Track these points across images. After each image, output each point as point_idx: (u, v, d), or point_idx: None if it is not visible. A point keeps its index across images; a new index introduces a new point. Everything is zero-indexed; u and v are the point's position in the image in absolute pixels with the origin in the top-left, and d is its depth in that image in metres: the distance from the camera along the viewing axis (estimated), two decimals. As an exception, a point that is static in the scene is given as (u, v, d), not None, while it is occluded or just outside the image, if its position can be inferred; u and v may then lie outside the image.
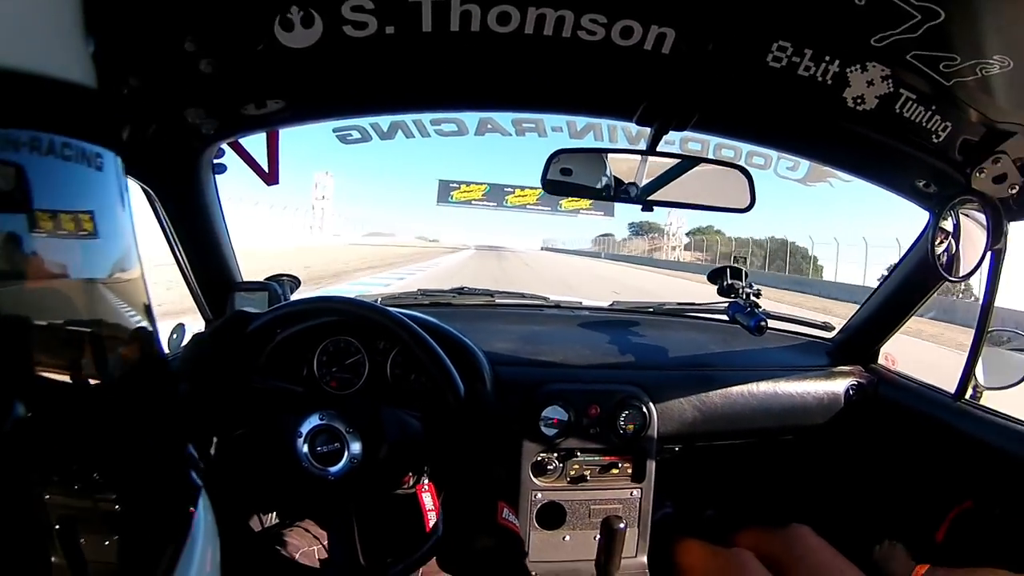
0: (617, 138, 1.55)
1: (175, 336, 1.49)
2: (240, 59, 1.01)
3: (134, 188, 1.32)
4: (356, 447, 1.17)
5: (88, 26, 0.72)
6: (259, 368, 1.31)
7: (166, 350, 1.49)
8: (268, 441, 1.22)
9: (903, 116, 1.09)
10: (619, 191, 1.41)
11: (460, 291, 1.91)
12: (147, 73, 1.01)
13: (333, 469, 1.17)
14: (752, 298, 1.52)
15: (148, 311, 0.38)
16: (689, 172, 1.37)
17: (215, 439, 1.20)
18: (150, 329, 0.38)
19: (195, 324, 1.55)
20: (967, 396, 1.41)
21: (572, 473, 1.50)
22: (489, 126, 1.59)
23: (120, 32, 0.87)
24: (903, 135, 1.13)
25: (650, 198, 1.39)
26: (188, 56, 0.97)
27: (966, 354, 1.40)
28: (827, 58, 1.00)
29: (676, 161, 1.38)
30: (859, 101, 1.06)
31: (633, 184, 1.41)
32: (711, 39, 0.99)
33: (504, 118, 1.65)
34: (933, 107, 1.08)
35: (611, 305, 1.97)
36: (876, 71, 1.02)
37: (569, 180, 1.38)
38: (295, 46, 0.96)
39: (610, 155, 1.40)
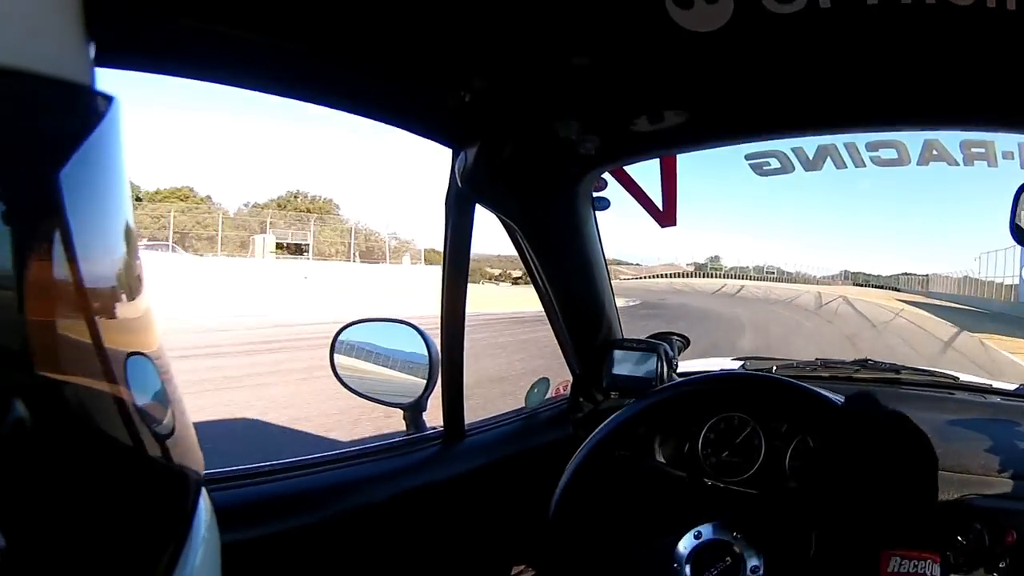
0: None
1: (535, 390, 1.44)
2: (625, 49, 0.77)
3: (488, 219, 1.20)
4: (754, 563, 0.96)
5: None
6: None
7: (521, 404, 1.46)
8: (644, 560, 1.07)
9: None
10: None
11: (864, 363, 1.58)
12: (497, 70, 0.82)
13: None
14: None
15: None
16: None
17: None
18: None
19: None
20: None
21: None
22: (935, 152, 1.18)
23: (454, 13, 0.69)
24: None
25: None
26: (551, 45, 0.76)
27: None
28: None
29: None
30: None
31: None
32: None
33: (951, 140, 1.21)
34: None
35: (1018, 389, 1.53)
36: None
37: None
38: (698, 29, 0.70)
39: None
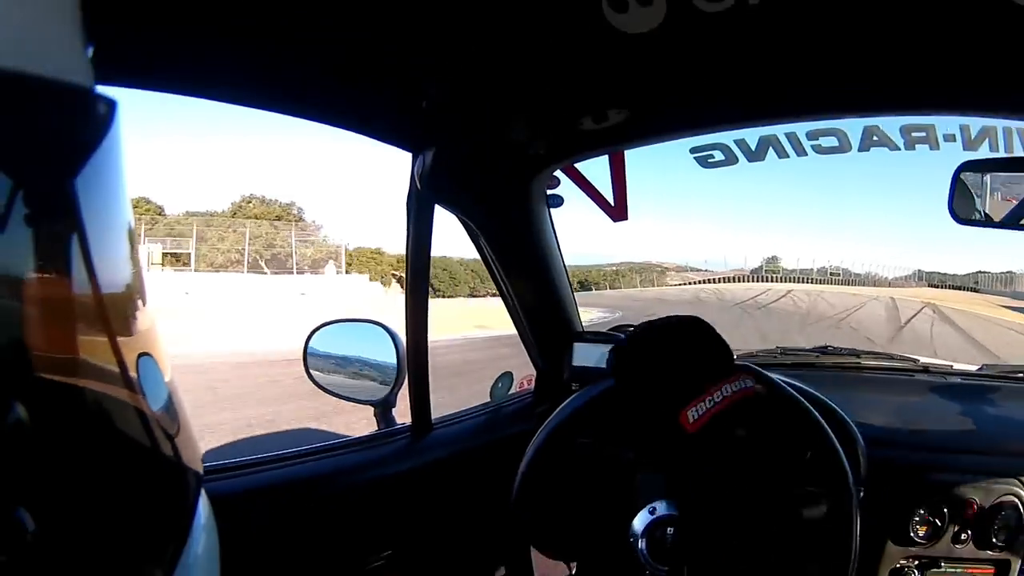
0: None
1: (500, 385, 1.49)
2: (566, 54, 0.81)
3: (447, 220, 1.21)
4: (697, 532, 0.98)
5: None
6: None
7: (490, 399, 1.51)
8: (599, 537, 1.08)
9: None
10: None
11: (824, 350, 1.65)
12: (449, 78, 0.86)
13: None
14: None
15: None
16: None
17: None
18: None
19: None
20: None
21: None
22: (875, 138, 1.18)
23: (409, 28, 0.73)
24: None
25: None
26: (499, 54, 0.80)
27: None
28: None
29: None
30: None
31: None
32: None
33: (891, 126, 1.21)
34: None
35: (981, 369, 1.62)
36: None
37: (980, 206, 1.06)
38: (634, 31, 0.74)
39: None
